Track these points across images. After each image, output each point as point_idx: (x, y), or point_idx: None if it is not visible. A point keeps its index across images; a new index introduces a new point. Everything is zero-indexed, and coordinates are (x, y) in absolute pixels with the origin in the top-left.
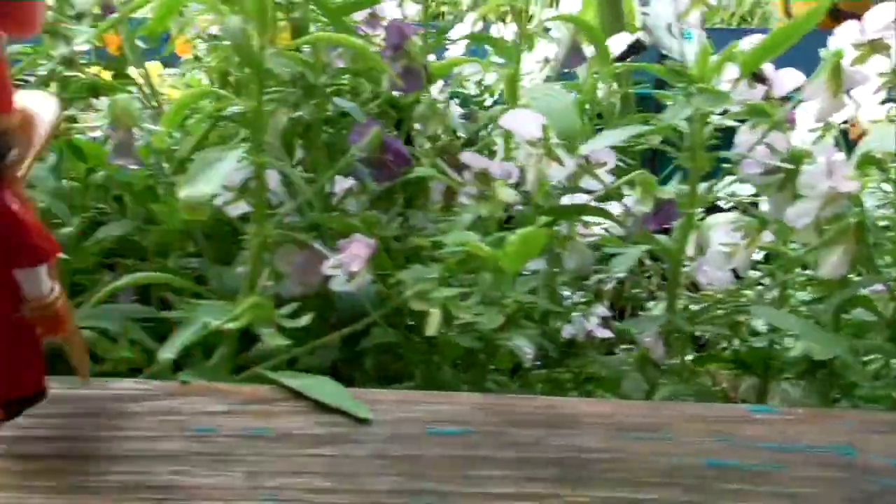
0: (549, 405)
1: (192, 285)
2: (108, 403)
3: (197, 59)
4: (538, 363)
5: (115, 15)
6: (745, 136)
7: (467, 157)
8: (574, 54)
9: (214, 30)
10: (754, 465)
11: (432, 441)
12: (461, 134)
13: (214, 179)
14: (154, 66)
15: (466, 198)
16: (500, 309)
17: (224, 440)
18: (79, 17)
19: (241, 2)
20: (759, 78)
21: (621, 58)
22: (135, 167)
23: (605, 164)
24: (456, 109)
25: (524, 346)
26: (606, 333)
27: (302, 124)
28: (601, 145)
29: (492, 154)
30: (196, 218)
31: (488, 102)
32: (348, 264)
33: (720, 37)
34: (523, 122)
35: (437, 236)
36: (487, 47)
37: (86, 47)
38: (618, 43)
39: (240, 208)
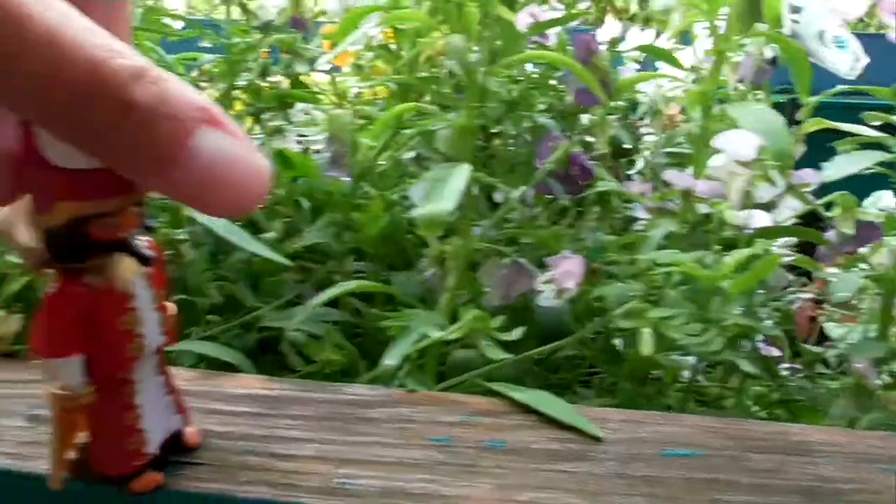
0: (782, 431)
1: (409, 297)
2: (346, 409)
3: (359, 67)
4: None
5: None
6: None
7: (673, 175)
8: (762, 71)
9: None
10: None
11: (670, 463)
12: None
13: (451, 196)
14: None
15: (643, 212)
16: (720, 332)
17: (463, 451)
18: (263, 28)
19: (462, 22)
20: None
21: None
22: (346, 179)
23: (808, 185)
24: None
25: (746, 368)
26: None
27: (502, 139)
28: (844, 171)
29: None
30: (431, 234)
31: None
32: (562, 281)
33: (868, 43)
34: (740, 142)
35: (618, 252)
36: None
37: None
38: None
39: None
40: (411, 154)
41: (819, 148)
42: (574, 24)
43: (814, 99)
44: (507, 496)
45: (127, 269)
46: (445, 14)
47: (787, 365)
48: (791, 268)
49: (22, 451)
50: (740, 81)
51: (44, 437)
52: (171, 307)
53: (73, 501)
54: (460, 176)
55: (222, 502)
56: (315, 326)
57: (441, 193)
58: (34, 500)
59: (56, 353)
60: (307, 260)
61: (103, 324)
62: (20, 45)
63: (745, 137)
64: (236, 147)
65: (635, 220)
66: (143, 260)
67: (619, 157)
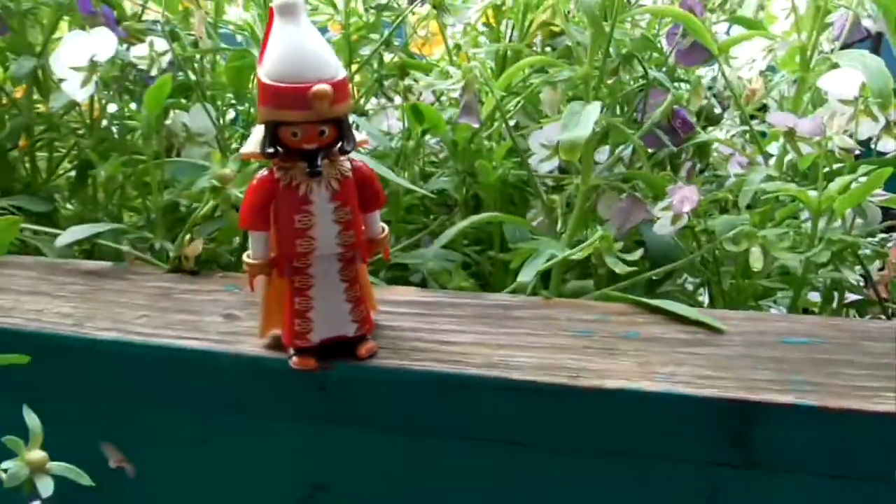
0: (889, 327)
1: (527, 224)
2: (494, 310)
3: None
4: None
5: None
6: None
7: (777, 116)
8: (855, 29)
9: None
10: None
11: (791, 348)
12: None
13: (586, 125)
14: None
15: (737, 167)
16: (827, 245)
17: (604, 339)
18: (380, 7)
19: None
20: None
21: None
22: (476, 125)
23: None
24: None
25: (851, 279)
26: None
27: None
28: None
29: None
30: (571, 159)
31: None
32: (679, 207)
33: None
34: (843, 82)
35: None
36: None
37: None
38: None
39: (549, 164)
40: (511, 122)
41: None
42: None
43: None
44: (649, 370)
45: (299, 174)
46: None
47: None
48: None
49: (223, 338)
50: (836, 40)
51: (238, 329)
52: (381, 229)
53: (273, 378)
54: (594, 110)
55: (401, 375)
56: (443, 263)
57: (578, 123)
58: (234, 375)
59: (247, 224)
60: (433, 203)
61: (281, 215)
62: None
63: (847, 76)
64: None
65: (726, 177)
66: (314, 171)
67: (707, 121)
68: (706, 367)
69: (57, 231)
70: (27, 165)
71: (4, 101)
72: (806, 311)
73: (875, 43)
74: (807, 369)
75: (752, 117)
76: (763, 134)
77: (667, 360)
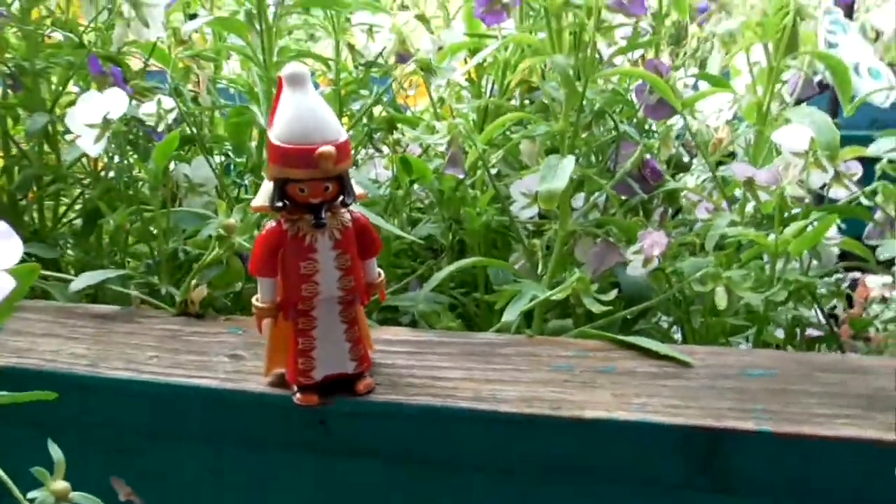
0: (843, 359)
1: (510, 267)
2: (481, 348)
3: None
4: None
5: (412, 62)
6: None
7: (738, 167)
8: (807, 86)
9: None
10: None
11: (752, 379)
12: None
13: (563, 177)
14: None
15: (704, 212)
16: (784, 285)
17: (583, 374)
18: (368, 64)
19: (559, 44)
20: None
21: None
22: (461, 176)
23: (854, 174)
24: None
25: (808, 317)
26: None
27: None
28: (878, 151)
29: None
30: (549, 207)
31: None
32: (650, 250)
33: None
34: (794, 136)
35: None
36: None
37: None
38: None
39: (530, 211)
40: (493, 171)
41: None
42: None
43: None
44: (624, 401)
45: (305, 225)
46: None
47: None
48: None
49: (230, 376)
50: (789, 96)
51: (243, 368)
52: (377, 274)
53: (277, 413)
54: (569, 164)
55: (398, 408)
56: (432, 305)
57: (555, 175)
58: (241, 411)
59: (257, 271)
60: (420, 248)
61: (288, 262)
62: None
63: (798, 131)
64: None
65: (695, 221)
66: (318, 223)
67: (677, 169)
68: (675, 398)
69: (63, 276)
70: (34, 214)
71: (14, 152)
72: (778, 347)
73: (833, 97)
74: (765, 398)
75: (720, 164)
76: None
77: (640, 391)
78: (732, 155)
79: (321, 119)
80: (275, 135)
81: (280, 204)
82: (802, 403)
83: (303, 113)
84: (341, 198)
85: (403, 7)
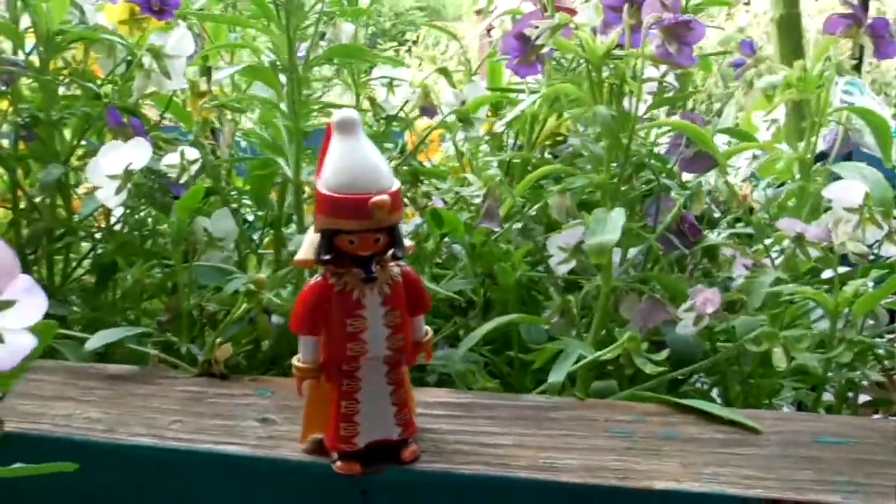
0: None
1: (548, 323)
2: (529, 411)
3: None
4: None
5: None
6: None
7: (786, 222)
8: (844, 144)
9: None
10: None
11: (825, 448)
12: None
13: (614, 230)
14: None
15: (741, 269)
16: (849, 346)
17: (644, 440)
18: (389, 118)
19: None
20: None
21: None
22: (498, 229)
23: None
24: None
25: (872, 378)
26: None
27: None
28: None
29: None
30: (600, 261)
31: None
32: (703, 307)
33: None
34: (848, 191)
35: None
36: None
37: None
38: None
39: (567, 266)
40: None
41: None
42: None
43: None
44: (694, 470)
45: (353, 280)
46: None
47: None
48: None
49: (262, 443)
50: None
51: (276, 433)
52: (425, 332)
53: (316, 483)
54: (620, 216)
55: (446, 478)
56: (467, 364)
57: (605, 228)
58: (275, 480)
59: (299, 329)
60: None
61: (334, 320)
62: None
63: (852, 186)
64: None
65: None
66: (369, 277)
67: (708, 225)
68: (748, 468)
69: (73, 333)
70: (44, 270)
71: (22, 205)
72: (829, 410)
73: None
74: (847, 469)
75: (738, 220)
76: (749, 236)
77: (709, 460)
78: (751, 211)
79: (374, 167)
80: (324, 184)
81: (327, 257)
82: (887, 475)
83: (355, 161)
84: (391, 251)
85: (430, 60)
